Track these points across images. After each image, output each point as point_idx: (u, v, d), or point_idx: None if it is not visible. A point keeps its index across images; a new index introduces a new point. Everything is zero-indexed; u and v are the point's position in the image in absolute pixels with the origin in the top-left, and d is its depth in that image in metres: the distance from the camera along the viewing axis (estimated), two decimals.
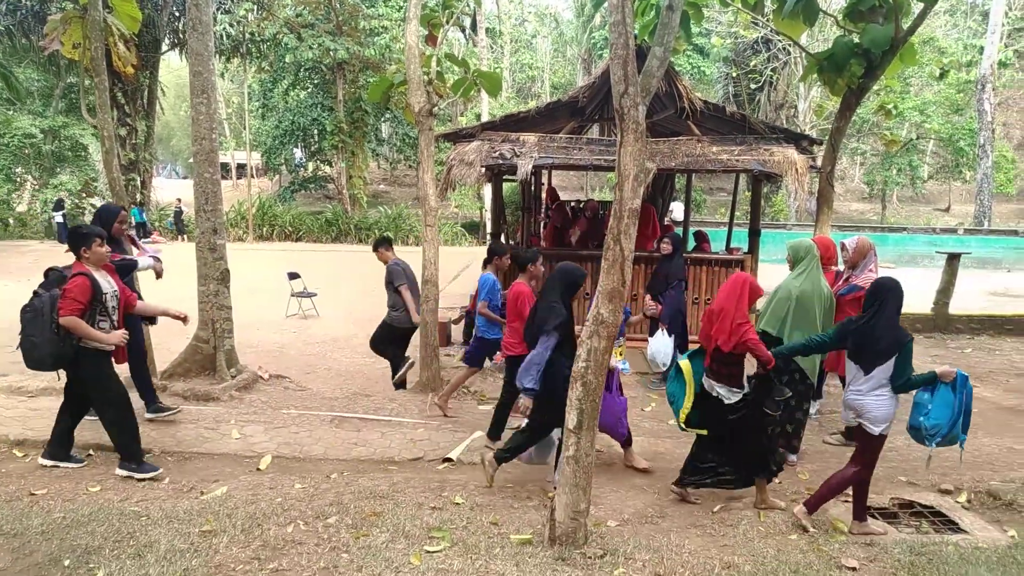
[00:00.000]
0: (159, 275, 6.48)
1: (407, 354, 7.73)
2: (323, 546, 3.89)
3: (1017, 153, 37.62)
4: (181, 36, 25.56)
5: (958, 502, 4.94)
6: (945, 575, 3.73)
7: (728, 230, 11.73)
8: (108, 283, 5.10)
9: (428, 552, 3.83)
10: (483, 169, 8.81)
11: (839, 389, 6.41)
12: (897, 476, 5.47)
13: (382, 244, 7.77)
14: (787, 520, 4.53)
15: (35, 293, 4.96)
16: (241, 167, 41.70)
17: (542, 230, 11.85)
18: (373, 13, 27.26)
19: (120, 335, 5.02)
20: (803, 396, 5.67)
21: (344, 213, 27.93)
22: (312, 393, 7.50)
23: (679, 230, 12.52)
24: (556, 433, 5.15)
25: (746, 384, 4.75)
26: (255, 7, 26.33)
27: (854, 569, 3.81)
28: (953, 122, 30.32)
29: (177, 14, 25.34)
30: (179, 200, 27.66)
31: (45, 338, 4.80)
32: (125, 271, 5.82)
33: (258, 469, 5.27)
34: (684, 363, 4.85)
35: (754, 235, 9.72)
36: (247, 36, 26.26)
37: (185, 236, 25.84)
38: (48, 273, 5.17)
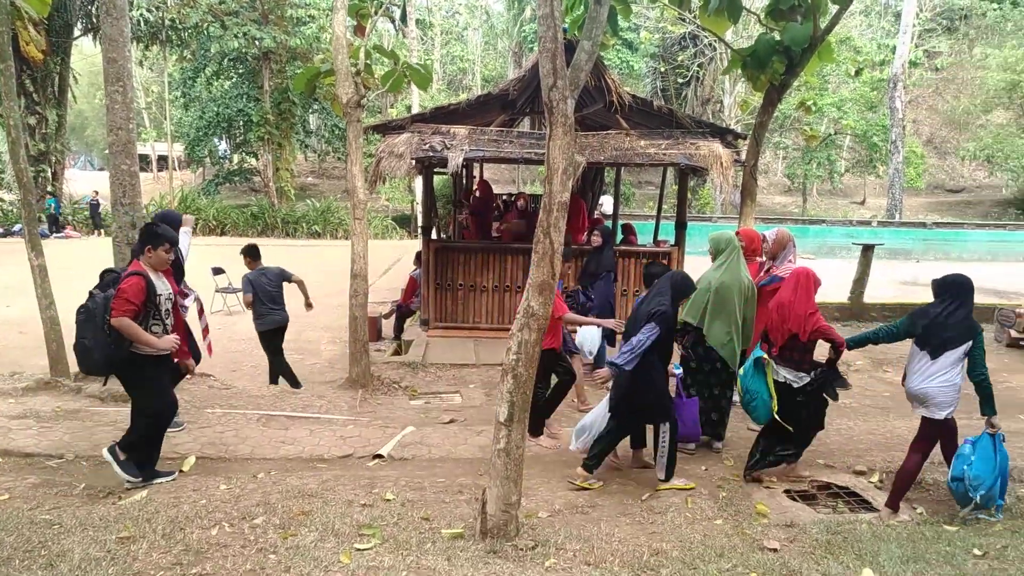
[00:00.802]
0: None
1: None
2: (249, 548, 3.79)
3: (926, 149, 39.47)
4: (95, 21, 24.46)
5: (871, 482, 5.16)
6: (859, 552, 3.88)
7: (655, 223, 11.94)
8: (164, 285, 4.88)
9: (358, 550, 3.78)
10: (413, 162, 8.72)
11: None
12: (816, 459, 5.67)
13: (246, 252, 7.64)
14: (713, 505, 4.65)
15: (90, 294, 4.70)
16: (162, 159, 40.24)
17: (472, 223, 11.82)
18: (300, 2, 26.66)
19: (172, 340, 4.78)
20: (726, 385, 5.84)
21: (271, 206, 27.27)
22: (238, 391, 7.30)
23: (609, 222, 12.68)
24: (590, 419, 5.32)
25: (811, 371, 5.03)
26: None
27: (775, 550, 3.93)
28: (867, 119, 31.57)
29: None
30: (96, 193, 26.51)
31: (98, 341, 4.54)
32: None
33: (181, 471, 5.10)
34: (764, 356, 5.09)
35: (680, 228, 9.92)
36: (167, 22, 25.31)
37: (102, 231, 24.81)
38: (104, 275, 4.92)
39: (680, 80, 32.26)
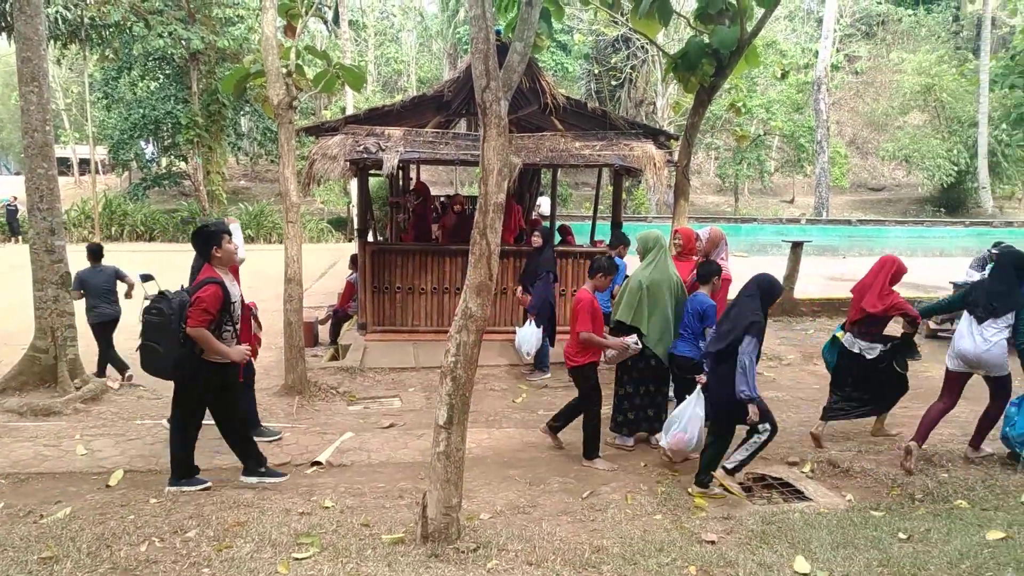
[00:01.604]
0: None
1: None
2: (181, 563, 3.67)
3: (849, 149, 40.95)
4: (8, 19, 23.36)
5: (803, 472, 5.31)
6: (792, 540, 3.99)
7: (592, 223, 12.06)
8: (235, 289, 4.84)
9: (296, 559, 3.70)
10: (347, 164, 8.61)
11: None
12: None
13: (88, 251, 7.91)
14: (652, 501, 4.71)
15: (162, 295, 4.60)
16: (84, 162, 38.70)
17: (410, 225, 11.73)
18: (228, 1, 26.01)
19: (243, 351, 4.76)
20: (662, 381, 5.94)
21: (202, 211, 26.55)
22: (168, 401, 7.03)
23: (547, 223, 12.75)
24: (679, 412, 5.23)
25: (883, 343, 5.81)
26: None
27: (713, 542, 4.01)
28: (794, 120, 32.58)
29: None
30: (15, 198, 25.28)
31: (171, 348, 4.49)
32: None
33: (107, 486, 4.91)
34: (839, 333, 6.10)
35: (616, 228, 10.03)
36: (87, 20, 24.36)
37: (20, 237, 23.73)
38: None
39: (614, 82, 32.70)
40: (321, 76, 7.72)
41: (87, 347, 7.74)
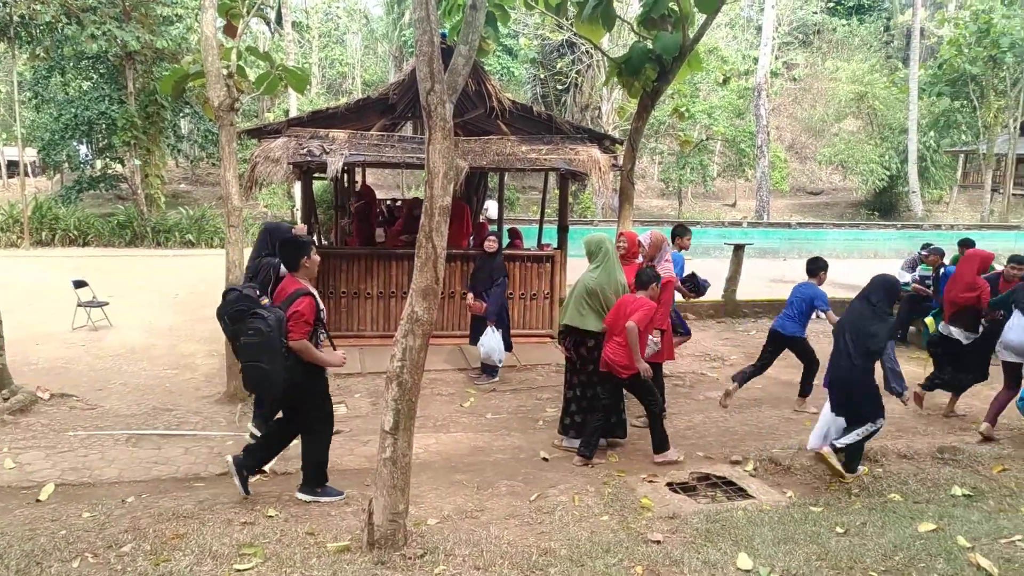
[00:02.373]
0: None
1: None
2: None
3: (789, 154, 42.01)
4: None
5: (746, 471, 5.42)
6: (735, 537, 4.07)
7: (539, 227, 12.12)
8: (319, 298, 4.80)
9: (238, 571, 3.61)
10: (290, 166, 8.47)
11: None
12: (696, 452, 5.91)
13: None
14: (599, 502, 4.75)
15: (256, 314, 4.42)
16: (13, 164, 37.22)
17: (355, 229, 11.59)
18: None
19: (340, 357, 4.80)
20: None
21: (139, 215, 25.76)
22: (104, 411, 6.86)
23: (493, 227, 12.77)
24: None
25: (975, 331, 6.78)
26: None
27: (659, 542, 4.06)
28: (736, 125, 33.26)
29: None
30: None
31: (278, 365, 4.38)
32: None
33: (38, 501, 4.72)
34: (929, 319, 8.05)
35: (563, 231, 10.11)
36: (15, 18, 23.45)
37: None
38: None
39: (559, 86, 32.90)
40: (263, 78, 7.58)
41: (16, 356, 7.45)
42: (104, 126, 26.80)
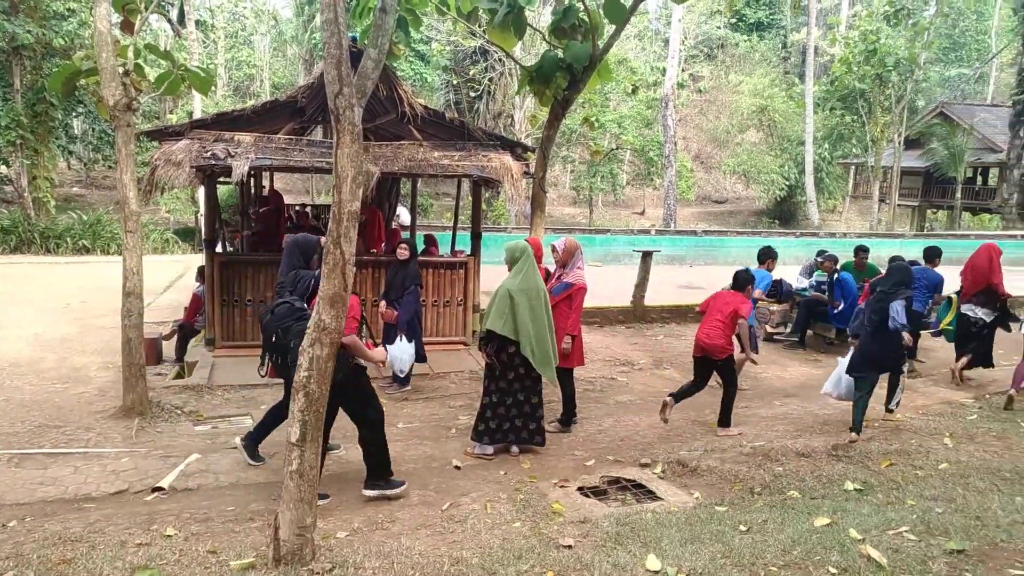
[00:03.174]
0: None
1: None
2: None
3: (695, 164, 43.44)
4: None
5: (655, 473, 5.54)
6: (644, 539, 4.14)
7: (452, 233, 12.10)
8: None
9: None
10: (193, 170, 8.15)
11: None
12: (606, 456, 6.00)
13: None
14: (511, 509, 4.75)
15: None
16: None
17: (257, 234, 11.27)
18: None
19: (383, 353, 5.10)
20: (530, 390, 6.00)
21: (26, 219, 24.26)
22: None
23: (406, 234, 12.67)
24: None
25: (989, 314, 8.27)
26: None
27: (570, 546, 4.09)
28: (644, 135, 34.16)
29: None
30: None
31: (337, 360, 4.31)
32: None
33: None
34: (953, 297, 8.67)
35: (476, 238, 10.11)
36: None
37: None
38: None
39: (473, 93, 32.97)
40: (164, 77, 7.27)
41: None
42: None
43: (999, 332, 8.50)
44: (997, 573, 3.55)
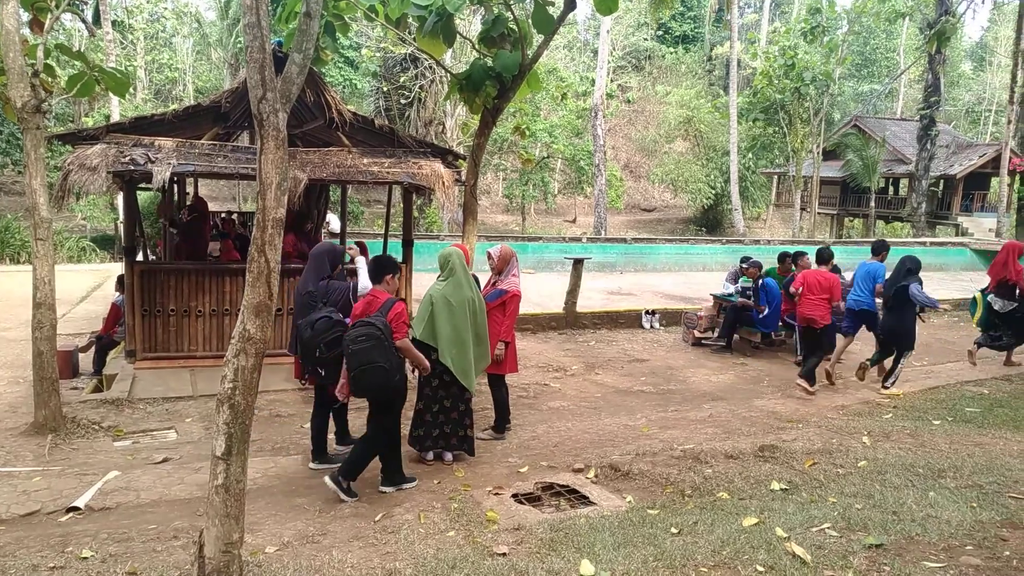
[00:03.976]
0: None
1: None
2: None
3: (624, 173, 44.24)
4: None
5: (588, 478, 5.58)
6: (578, 545, 4.17)
7: (384, 241, 11.96)
8: None
9: None
10: (110, 176, 7.82)
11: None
12: (540, 462, 6.02)
13: None
14: (446, 518, 4.71)
15: (367, 322, 4.92)
16: None
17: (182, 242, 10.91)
18: None
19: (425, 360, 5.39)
20: (457, 398, 5.97)
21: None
22: None
23: (336, 240, 12.46)
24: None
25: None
26: None
27: (505, 554, 4.07)
28: (575, 144, 34.56)
29: None
30: None
31: (394, 363, 4.92)
32: None
33: None
34: (978, 295, 9.74)
35: (407, 245, 10.03)
36: None
37: None
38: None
39: (403, 100, 32.74)
40: (77, 79, 6.98)
41: None
42: None
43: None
44: (913, 566, 3.70)
